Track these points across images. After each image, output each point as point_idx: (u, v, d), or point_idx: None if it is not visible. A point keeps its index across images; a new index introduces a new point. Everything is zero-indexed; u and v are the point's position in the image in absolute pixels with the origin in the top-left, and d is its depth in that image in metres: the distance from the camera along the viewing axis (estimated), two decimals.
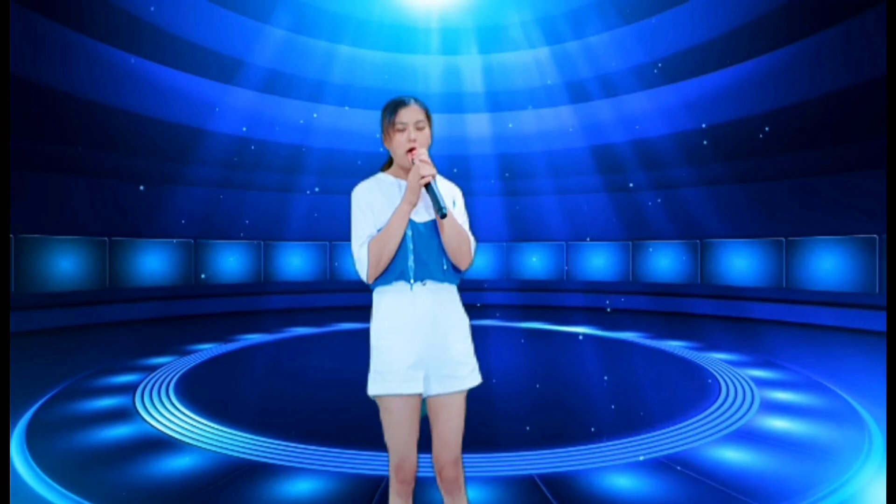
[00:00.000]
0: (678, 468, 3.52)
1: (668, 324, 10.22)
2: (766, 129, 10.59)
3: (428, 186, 1.89)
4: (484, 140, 13.87)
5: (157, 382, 5.73)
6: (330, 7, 11.66)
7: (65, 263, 10.14)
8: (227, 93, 11.63)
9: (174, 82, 10.85)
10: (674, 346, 7.92)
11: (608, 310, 11.66)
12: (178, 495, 3.20)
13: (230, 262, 12.93)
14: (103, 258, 10.83)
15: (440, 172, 2.13)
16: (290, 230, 13.45)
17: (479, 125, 13.82)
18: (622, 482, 3.34)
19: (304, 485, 3.30)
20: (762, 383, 5.66)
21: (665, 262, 12.67)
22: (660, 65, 11.35)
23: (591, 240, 13.54)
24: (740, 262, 11.48)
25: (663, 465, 3.58)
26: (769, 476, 3.42)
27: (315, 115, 12.83)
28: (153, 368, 6.40)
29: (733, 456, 3.74)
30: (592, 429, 4.26)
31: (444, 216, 1.88)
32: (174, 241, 11.93)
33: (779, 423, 4.42)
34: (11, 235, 9.14)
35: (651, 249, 12.90)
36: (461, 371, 1.97)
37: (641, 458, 3.68)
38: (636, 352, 7.70)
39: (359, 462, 3.61)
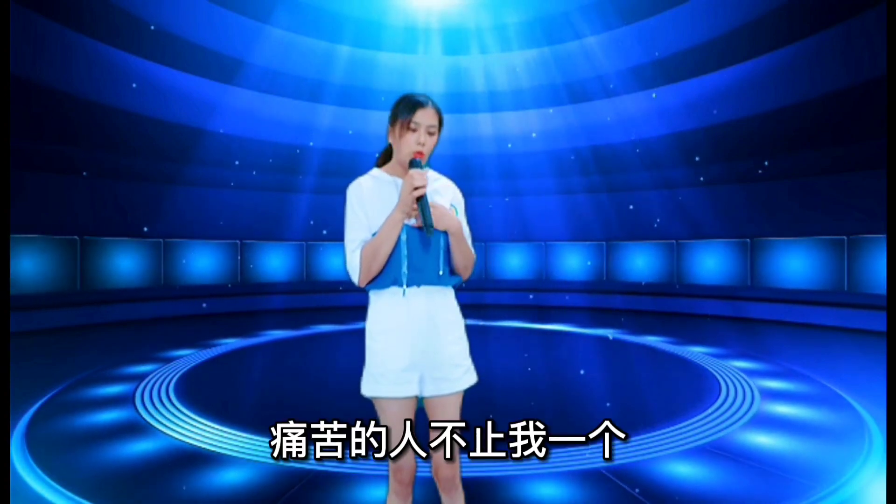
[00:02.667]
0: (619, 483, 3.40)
1: (694, 328, 9.85)
2: (766, 163, 10.74)
3: (420, 199, 1.86)
4: (485, 139, 13.88)
5: (159, 380, 5.74)
6: (330, 7, 11.67)
7: (66, 264, 10.13)
8: (227, 93, 11.64)
9: (174, 82, 10.85)
10: (694, 352, 7.48)
11: (614, 317, 11.59)
12: (177, 494, 3.20)
13: (274, 261, 13.30)
14: (115, 258, 10.88)
15: (444, 172, 2.12)
16: (331, 231, 13.51)
17: (479, 125, 13.82)
18: (546, 491, 3.22)
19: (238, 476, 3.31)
20: (757, 377, 5.66)
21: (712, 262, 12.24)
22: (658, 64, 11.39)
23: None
24: (796, 264, 10.84)
25: (599, 473, 3.45)
26: (768, 475, 3.42)
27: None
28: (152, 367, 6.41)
29: (754, 443, 3.75)
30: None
31: (429, 234, 1.86)
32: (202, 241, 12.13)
33: (778, 427, 4.40)
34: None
35: (698, 250, 12.51)
36: (455, 373, 1.97)
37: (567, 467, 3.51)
38: (650, 357, 7.39)
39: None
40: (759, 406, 4.87)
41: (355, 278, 1.95)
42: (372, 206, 1.96)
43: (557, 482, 3.33)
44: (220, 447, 3.91)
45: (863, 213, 9.54)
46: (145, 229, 11.27)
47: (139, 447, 3.93)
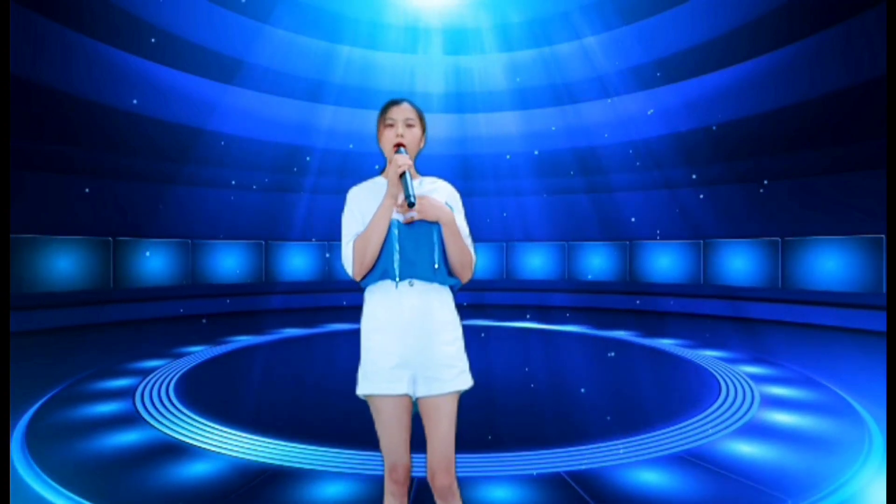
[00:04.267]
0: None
1: (714, 331, 9.47)
2: (766, 182, 10.76)
3: (402, 176, 1.90)
4: (485, 139, 13.89)
5: (162, 378, 5.74)
6: (330, 7, 11.66)
7: (65, 264, 10.13)
8: (227, 93, 11.64)
9: (174, 82, 10.85)
10: (706, 356, 7.19)
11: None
12: (178, 495, 3.20)
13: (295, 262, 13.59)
14: (118, 258, 10.92)
15: (444, 175, 2.15)
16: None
17: (479, 125, 13.83)
18: (499, 494, 3.18)
19: (334, 488, 3.31)
20: (761, 380, 5.66)
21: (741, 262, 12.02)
22: (659, 70, 11.39)
23: (659, 238, 13.03)
24: (829, 264, 10.48)
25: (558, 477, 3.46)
26: (768, 475, 3.42)
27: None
28: (148, 372, 6.41)
29: (734, 452, 3.74)
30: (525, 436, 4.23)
31: (411, 205, 1.88)
32: (183, 241, 12.09)
33: (779, 422, 4.41)
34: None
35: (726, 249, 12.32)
36: (446, 374, 1.95)
37: (535, 472, 3.47)
38: (658, 361, 7.16)
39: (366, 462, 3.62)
40: (755, 413, 4.67)
41: (349, 269, 1.99)
42: (367, 204, 2.01)
43: (512, 485, 3.29)
44: (218, 446, 3.91)
45: (863, 212, 9.53)
46: (147, 254, 11.41)
47: (138, 445, 3.94)
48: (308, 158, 13.22)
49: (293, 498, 3.16)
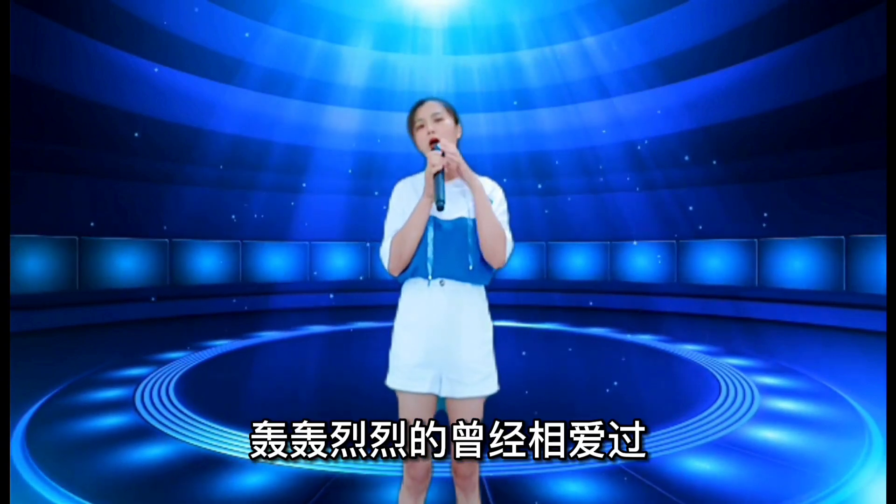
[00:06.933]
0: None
1: (746, 337, 8.90)
2: (765, 215, 10.71)
3: (436, 175, 1.90)
4: (482, 139, 13.89)
5: (168, 372, 5.74)
6: (330, 7, 11.66)
7: (65, 263, 10.13)
8: (226, 92, 11.65)
9: (174, 82, 10.85)
10: (723, 363, 6.72)
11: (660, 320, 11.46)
12: (179, 495, 3.20)
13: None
14: (111, 258, 10.94)
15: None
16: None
17: (480, 124, 13.83)
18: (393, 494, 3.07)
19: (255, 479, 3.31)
20: (762, 385, 5.64)
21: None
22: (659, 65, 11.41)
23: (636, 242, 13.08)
24: (791, 263, 10.69)
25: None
26: (767, 477, 3.41)
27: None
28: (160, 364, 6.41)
29: (725, 458, 3.72)
30: None
31: (440, 208, 1.88)
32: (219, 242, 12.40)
33: (778, 424, 4.39)
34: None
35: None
36: (471, 378, 1.95)
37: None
38: (670, 367, 6.84)
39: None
40: (760, 395, 4.60)
41: (386, 264, 2.01)
42: (409, 201, 2.02)
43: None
44: (227, 449, 3.90)
45: (863, 213, 9.52)
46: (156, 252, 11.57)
47: (128, 438, 3.96)
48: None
49: (223, 488, 3.24)
